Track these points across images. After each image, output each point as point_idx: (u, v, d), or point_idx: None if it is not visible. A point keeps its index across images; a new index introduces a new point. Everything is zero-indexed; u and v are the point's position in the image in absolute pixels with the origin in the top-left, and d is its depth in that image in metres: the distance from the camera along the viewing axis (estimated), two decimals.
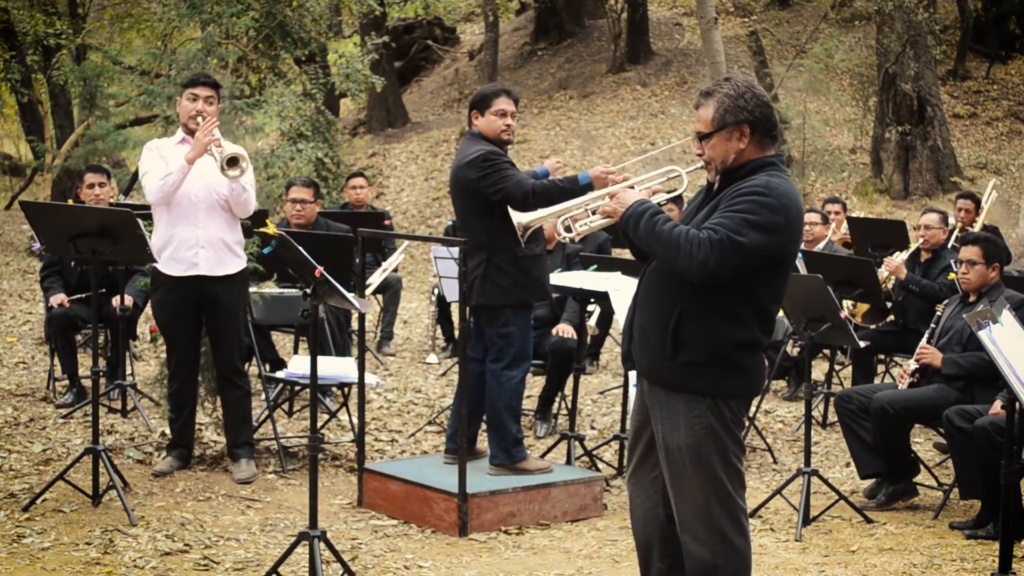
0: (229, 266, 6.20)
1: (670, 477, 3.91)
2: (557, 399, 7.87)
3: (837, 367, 8.91)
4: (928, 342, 6.52)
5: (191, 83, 6.17)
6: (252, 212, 6.28)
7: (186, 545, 5.28)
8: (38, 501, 5.67)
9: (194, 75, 6.27)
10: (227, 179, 5.91)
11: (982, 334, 4.39)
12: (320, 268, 4.69)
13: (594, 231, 4.23)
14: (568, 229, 4.17)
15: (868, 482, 6.51)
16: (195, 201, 6.08)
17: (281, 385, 7.33)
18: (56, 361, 8.07)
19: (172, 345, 6.33)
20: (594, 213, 4.13)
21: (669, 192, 4.16)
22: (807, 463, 6.08)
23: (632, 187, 4.00)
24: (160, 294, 6.26)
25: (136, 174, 10.02)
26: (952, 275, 7.13)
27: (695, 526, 3.88)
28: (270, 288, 7.63)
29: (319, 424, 7.18)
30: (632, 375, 4.25)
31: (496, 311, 5.92)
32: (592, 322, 7.85)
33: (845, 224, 10.34)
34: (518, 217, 4.29)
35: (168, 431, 6.64)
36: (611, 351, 10.20)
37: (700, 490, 3.85)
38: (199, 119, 6.03)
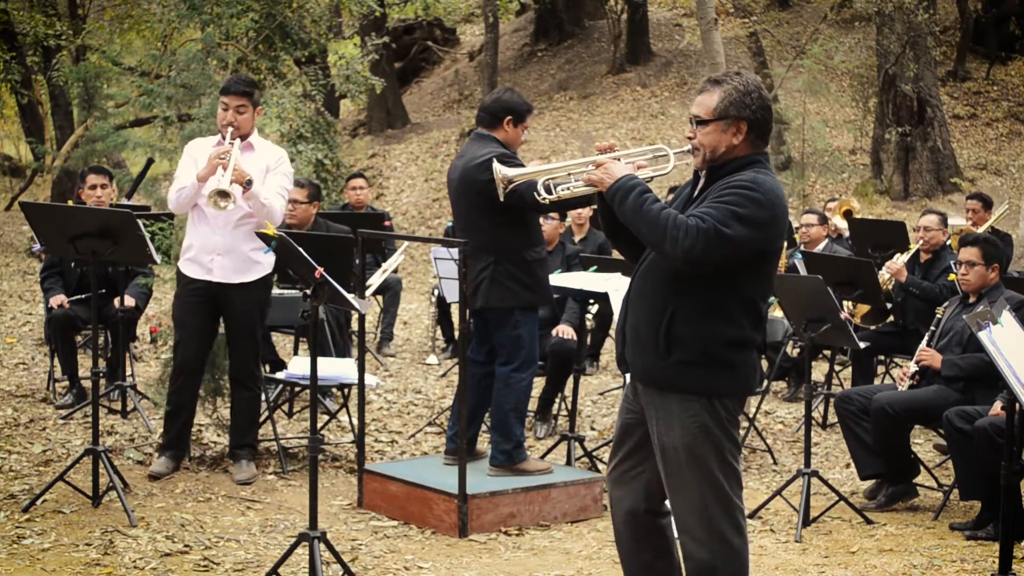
0: (246, 274, 6.17)
1: (667, 478, 3.91)
2: (557, 400, 7.87)
3: (837, 368, 8.91)
4: (928, 344, 6.52)
5: (223, 91, 6.17)
6: (280, 222, 6.26)
7: (186, 546, 5.28)
8: (38, 502, 5.67)
9: (226, 81, 6.24)
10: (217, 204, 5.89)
11: (982, 335, 4.39)
12: (320, 269, 4.69)
13: (575, 196, 4.16)
14: (548, 191, 4.09)
15: (868, 483, 6.50)
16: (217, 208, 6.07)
17: (281, 386, 7.33)
18: (56, 362, 8.06)
19: (181, 341, 6.31)
20: (576, 179, 4.05)
21: (655, 169, 4.09)
22: (807, 464, 6.08)
23: (618, 159, 3.96)
24: (179, 289, 6.31)
25: (139, 178, 10.07)
26: (952, 276, 7.13)
27: (693, 526, 3.87)
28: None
29: (319, 425, 7.18)
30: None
31: (506, 313, 5.91)
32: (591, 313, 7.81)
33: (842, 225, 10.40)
34: (503, 171, 4.23)
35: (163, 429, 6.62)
36: (611, 352, 10.19)
37: (697, 490, 3.85)
38: (229, 129, 6.04)
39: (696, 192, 3.94)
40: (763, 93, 3.90)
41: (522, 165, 5.74)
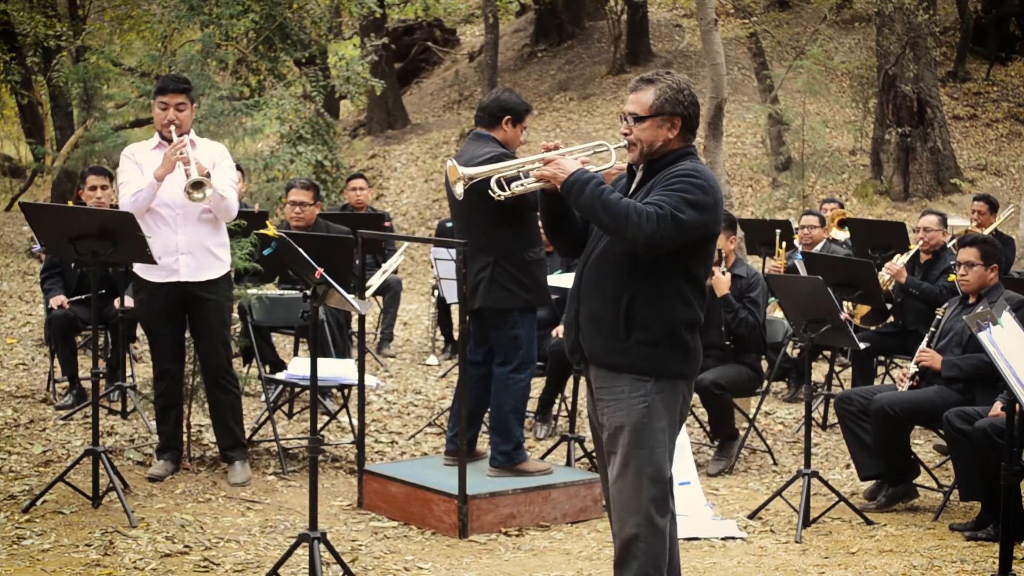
0: (211, 271, 6.13)
1: (609, 457, 4.06)
2: (557, 401, 7.87)
3: (837, 369, 8.91)
4: (928, 345, 6.52)
5: (160, 90, 6.08)
6: (235, 216, 6.23)
7: (186, 547, 5.28)
8: (38, 503, 5.67)
9: (163, 81, 6.14)
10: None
11: (982, 336, 4.40)
12: (320, 270, 4.69)
13: (528, 191, 4.23)
14: (502, 187, 4.21)
15: (868, 484, 6.50)
16: (174, 208, 6.02)
17: (281, 387, 7.33)
18: (56, 363, 8.06)
19: (156, 347, 6.29)
20: (527, 176, 4.16)
21: (598, 165, 4.22)
22: (807, 465, 6.08)
23: (564, 156, 4.11)
24: (143, 296, 6.23)
25: None
26: (952, 277, 7.13)
27: (625, 503, 4.01)
28: (270, 290, 7.62)
29: (319, 426, 7.17)
30: None
31: (504, 314, 5.91)
32: None
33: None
34: (463, 170, 4.32)
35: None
36: None
37: (637, 468, 3.99)
38: (172, 128, 6.00)
39: (635, 185, 4.10)
40: (692, 90, 4.11)
41: None
